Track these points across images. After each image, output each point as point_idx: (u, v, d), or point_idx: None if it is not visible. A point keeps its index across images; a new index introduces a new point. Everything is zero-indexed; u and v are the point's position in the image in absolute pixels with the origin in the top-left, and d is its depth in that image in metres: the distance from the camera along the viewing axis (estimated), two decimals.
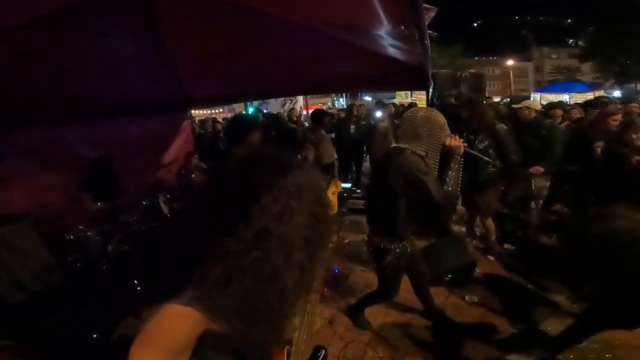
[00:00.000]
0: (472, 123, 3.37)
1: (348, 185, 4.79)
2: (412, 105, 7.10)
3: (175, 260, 0.67)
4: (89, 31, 2.16)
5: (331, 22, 1.82)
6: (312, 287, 0.81)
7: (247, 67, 2.93)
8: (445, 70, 6.47)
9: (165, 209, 3.00)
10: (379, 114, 5.94)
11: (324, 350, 1.13)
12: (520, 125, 3.95)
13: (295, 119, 6.85)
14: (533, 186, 3.75)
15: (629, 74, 22.77)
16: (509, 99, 15.52)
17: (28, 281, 2.13)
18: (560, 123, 4.49)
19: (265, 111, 9.71)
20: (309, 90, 5.01)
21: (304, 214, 0.70)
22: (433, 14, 2.69)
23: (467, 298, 2.90)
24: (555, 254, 3.50)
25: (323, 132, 4.48)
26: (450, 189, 1.92)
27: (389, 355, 2.35)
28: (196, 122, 6.82)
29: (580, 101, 9.31)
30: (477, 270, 3.24)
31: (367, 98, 22.95)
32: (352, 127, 6.17)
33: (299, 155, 2.80)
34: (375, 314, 2.68)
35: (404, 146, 1.96)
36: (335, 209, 1.21)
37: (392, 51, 2.11)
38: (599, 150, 3.23)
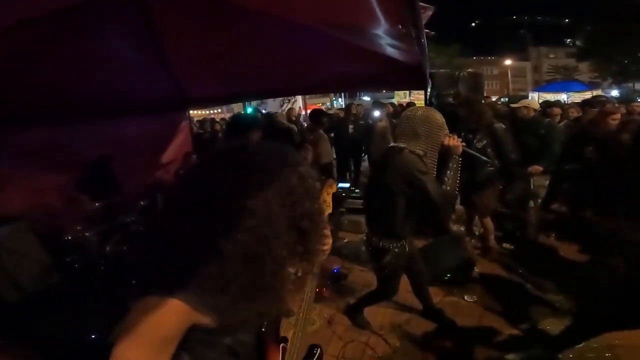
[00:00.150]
0: (470, 122, 3.36)
1: (346, 184, 4.78)
2: (411, 104, 7.10)
3: (158, 255, 0.66)
4: (86, 31, 2.15)
5: (330, 22, 1.82)
6: (309, 260, 0.78)
7: (245, 67, 2.92)
8: (443, 70, 6.49)
9: None
10: (377, 113, 5.94)
11: (319, 349, 1.12)
12: (519, 125, 3.95)
13: (294, 118, 6.86)
14: (532, 185, 3.75)
15: (626, 73, 22.89)
16: (506, 99, 15.57)
17: (26, 282, 2.12)
18: (558, 122, 4.50)
19: (263, 111, 9.73)
20: (307, 90, 5.01)
21: (276, 189, 0.67)
22: (430, 12, 2.67)
23: (466, 297, 2.90)
24: (553, 253, 3.51)
25: (321, 131, 4.47)
26: (448, 188, 1.92)
27: (388, 355, 2.35)
28: (195, 122, 6.82)
29: (578, 100, 9.34)
30: (476, 269, 3.23)
31: (366, 98, 22.94)
32: (351, 126, 6.17)
33: None
34: (375, 314, 2.68)
35: (402, 145, 1.96)
36: (330, 209, 1.20)
37: (390, 50, 2.11)
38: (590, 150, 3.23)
